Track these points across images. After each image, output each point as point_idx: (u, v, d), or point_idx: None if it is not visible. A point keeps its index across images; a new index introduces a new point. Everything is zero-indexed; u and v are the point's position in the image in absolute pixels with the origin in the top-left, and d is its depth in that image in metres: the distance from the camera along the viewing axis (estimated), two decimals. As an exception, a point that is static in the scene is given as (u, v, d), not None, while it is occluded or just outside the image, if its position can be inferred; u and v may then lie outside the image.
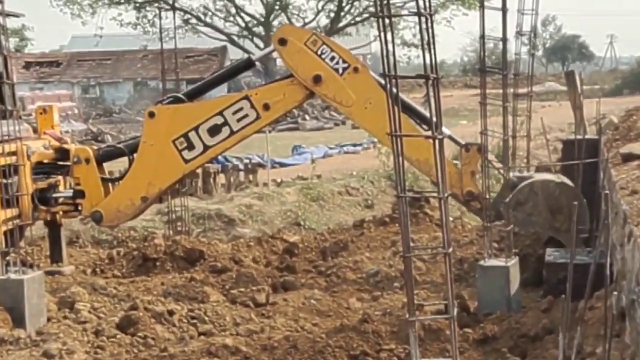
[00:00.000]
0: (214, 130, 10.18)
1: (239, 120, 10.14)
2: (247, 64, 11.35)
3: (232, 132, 10.18)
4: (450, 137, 10.15)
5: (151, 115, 10.41)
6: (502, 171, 10.36)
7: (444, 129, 10.21)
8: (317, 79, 9.94)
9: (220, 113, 10.18)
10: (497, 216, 9.94)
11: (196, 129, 10.19)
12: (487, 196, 9.36)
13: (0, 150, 9.72)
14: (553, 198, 9.55)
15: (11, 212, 10.12)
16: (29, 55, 65.42)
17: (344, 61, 9.98)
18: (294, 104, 10.54)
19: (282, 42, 10.07)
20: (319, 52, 9.96)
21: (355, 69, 9.98)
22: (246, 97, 10.27)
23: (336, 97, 10.06)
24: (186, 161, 10.29)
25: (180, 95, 10.80)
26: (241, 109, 10.14)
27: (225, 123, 10.17)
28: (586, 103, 13.74)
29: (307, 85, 10.05)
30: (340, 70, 9.98)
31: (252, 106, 10.13)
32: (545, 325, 7.71)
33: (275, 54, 11.34)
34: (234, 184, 18.81)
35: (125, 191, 10.53)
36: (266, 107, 10.13)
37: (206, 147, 10.23)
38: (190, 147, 10.23)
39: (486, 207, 9.36)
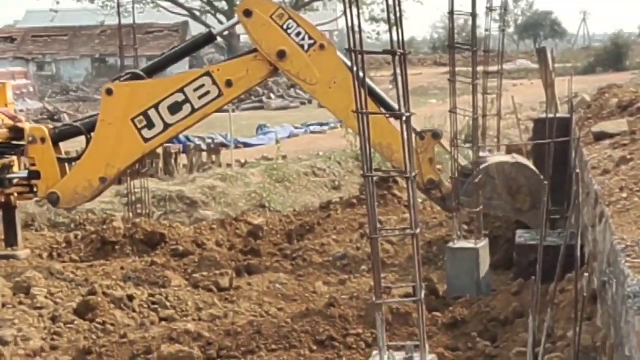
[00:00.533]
0: (174, 108, 10.16)
1: (200, 97, 10.12)
2: (208, 39, 11.31)
3: (193, 110, 10.16)
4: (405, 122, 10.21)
5: (109, 92, 10.36)
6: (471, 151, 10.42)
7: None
8: (281, 55, 9.94)
9: (181, 90, 10.15)
10: (458, 206, 10.09)
11: (156, 106, 10.16)
12: (457, 176, 9.41)
13: (-49, 129, 9.68)
14: (510, 179, 9.68)
15: None
16: (-20, 32, 64.78)
17: (310, 37, 9.98)
18: (257, 80, 10.51)
19: (248, 13, 10.04)
20: (285, 27, 9.95)
21: (322, 47, 9.98)
22: (208, 74, 10.25)
23: (300, 75, 10.06)
24: (146, 140, 10.26)
25: (139, 71, 10.76)
26: (203, 85, 10.13)
27: (187, 100, 10.15)
28: (558, 81, 13.84)
29: (271, 60, 10.04)
30: (306, 47, 9.98)
31: (214, 83, 10.11)
32: (516, 309, 7.77)
33: (239, 28, 11.30)
34: (196, 164, 18.80)
35: (83, 172, 10.48)
36: (229, 83, 10.11)
37: (167, 126, 10.21)
38: (150, 125, 10.19)
39: (455, 187, 9.42)
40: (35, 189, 10.87)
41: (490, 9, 11.58)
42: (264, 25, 10.00)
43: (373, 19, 53.49)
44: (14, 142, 11.14)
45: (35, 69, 58.65)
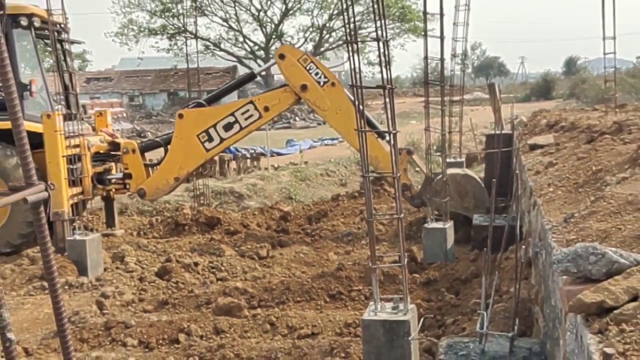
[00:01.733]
0: (227, 127, 10.26)
1: (246, 119, 10.25)
2: (251, 77, 11.45)
3: (241, 128, 10.29)
4: (388, 143, 10.29)
5: (180, 116, 10.46)
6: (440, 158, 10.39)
7: (387, 137, 10.36)
8: (304, 87, 10.04)
9: (232, 114, 10.26)
10: (422, 203, 10.20)
11: (214, 126, 10.26)
12: (431, 174, 9.38)
13: (67, 143, 9.73)
14: (460, 186, 9.78)
15: (76, 189, 10.14)
16: (89, 73, 64.88)
17: (325, 77, 10.08)
18: (287, 106, 10.61)
19: (282, 57, 10.16)
20: (307, 68, 10.05)
21: (333, 84, 10.07)
22: (251, 102, 10.36)
23: (316, 103, 10.14)
24: (207, 150, 10.38)
25: (201, 101, 10.82)
26: (248, 110, 10.25)
27: (236, 121, 10.26)
28: (504, 107, 13.79)
29: (296, 91, 10.15)
30: (322, 83, 10.06)
31: (256, 108, 10.25)
32: (473, 272, 7.76)
33: (273, 69, 11.31)
34: (242, 168, 18.79)
35: (162, 173, 10.56)
36: (266, 109, 10.27)
37: (222, 139, 10.33)
38: (210, 139, 10.30)
39: (429, 184, 9.41)
40: (127, 186, 10.95)
41: (454, 55, 11.55)
42: (293, 66, 10.06)
43: (370, 63, 53.23)
44: (112, 153, 11.23)
45: (127, 100, 58.72)
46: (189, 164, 10.55)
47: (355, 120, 10.51)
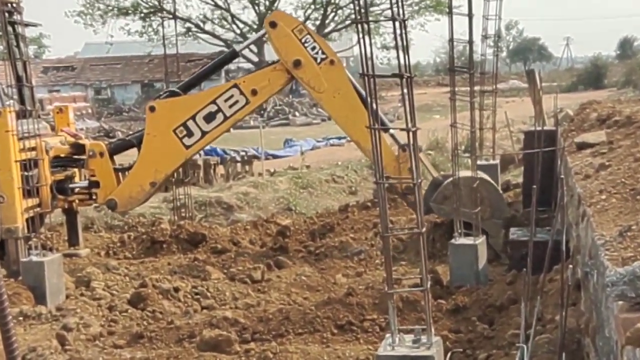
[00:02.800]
0: (209, 117, 10.32)
1: (230, 106, 10.31)
2: (232, 55, 11.55)
3: (225, 118, 10.35)
4: (392, 136, 10.34)
5: (152, 109, 10.51)
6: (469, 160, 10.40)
7: (391, 131, 10.45)
8: (297, 63, 10.14)
9: (214, 102, 10.33)
10: (427, 210, 10.16)
11: (193, 117, 10.32)
12: (458, 182, 9.36)
13: (21, 146, 9.73)
14: (474, 191, 9.75)
15: (32, 201, 10.13)
16: (47, 61, 65.13)
17: (323, 53, 10.17)
18: (278, 87, 10.71)
19: (273, 25, 10.24)
20: (302, 40, 10.12)
21: (332, 62, 10.16)
22: (235, 86, 10.44)
23: (310, 82, 10.23)
24: (187, 147, 10.43)
25: (175, 89, 10.89)
26: (232, 96, 10.32)
27: (219, 110, 10.31)
28: (545, 98, 13.79)
29: (288, 67, 10.26)
30: (319, 60, 10.16)
31: (242, 93, 10.30)
32: (510, 296, 7.74)
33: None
34: (232, 174, 18.81)
35: (135, 179, 10.58)
36: (254, 92, 10.34)
37: (204, 133, 10.38)
38: (190, 134, 10.35)
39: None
40: (94, 197, 10.96)
41: (485, 37, 11.58)
42: (286, 37, 10.14)
43: (384, 47, 53.23)
44: (75, 157, 11.23)
45: (93, 93, 58.88)
46: (167, 165, 10.58)
47: (355, 106, 10.64)
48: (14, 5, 10.59)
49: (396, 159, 10.28)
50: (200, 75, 11.14)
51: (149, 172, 10.51)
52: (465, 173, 9.92)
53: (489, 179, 10.20)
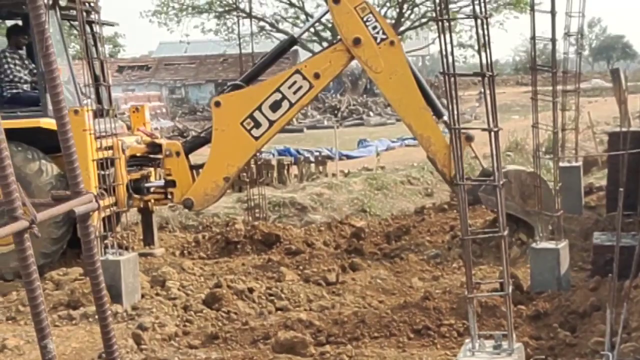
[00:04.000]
0: (275, 106, 10.40)
1: (295, 92, 10.37)
2: (292, 42, 11.60)
3: (291, 105, 10.43)
4: (445, 123, 10.38)
5: (217, 104, 10.63)
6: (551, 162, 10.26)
7: (445, 118, 10.58)
8: (356, 41, 10.16)
9: (278, 90, 10.39)
10: (475, 200, 10.38)
11: (259, 108, 10.40)
12: (539, 184, 9.24)
13: (98, 145, 9.92)
14: (525, 185, 9.71)
15: (109, 200, 10.30)
16: (122, 60, 66.34)
17: (384, 33, 10.22)
18: (339, 68, 10.73)
19: (336, 1, 10.24)
20: (364, 19, 10.17)
21: (392, 43, 10.22)
22: (297, 71, 10.51)
23: (368, 62, 10.29)
24: (256, 138, 10.52)
25: (238, 82, 10.98)
26: (295, 82, 10.39)
27: (284, 97, 10.38)
28: (630, 98, 13.53)
29: (347, 45, 10.31)
30: (378, 40, 10.20)
31: (304, 77, 10.37)
32: (593, 303, 7.60)
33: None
34: (305, 174, 18.88)
35: (209, 175, 10.70)
36: (317, 75, 10.38)
37: (271, 122, 10.46)
38: (257, 125, 10.44)
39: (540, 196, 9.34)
40: (169, 196, 11.10)
41: (567, 34, 11.42)
42: (348, 13, 10.17)
43: (461, 45, 52.87)
44: (151, 156, 11.40)
45: (167, 93, 59.86)
46: (238, 159, 10.68)
47: (411, 89, 10.74)
48: (92, 4, 10.83)
49: (448, 146, 10.32)
50: (261, 65, 11.21)
51: (222, 167, 10.64)
52: (515, 167, 9.86)
53: (541, 175, 10.13)
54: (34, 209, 1.22)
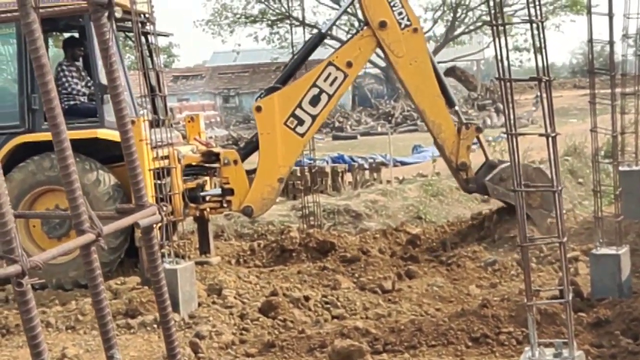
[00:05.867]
0: (314, 101, 10.57)
1: (331, 84, 10.55)
2: (321, 38, 11.78)
3: (330, 97, 10.61)
4: (456, 112, 10.50)
5: (258, 109, 10.84)
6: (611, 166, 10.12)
7: (457, 107, 10.76)
8: (382, 24, 10.37)
9: (314, 84, 10.58)
10: (479, 189, 10.93)
11: (299, 105, 10.58)
12: (599, 189, 9.12)
13: (154, 154, 10.04)
14: (530, 179, 9.77)
15: (165, 209, 10.40)
16: (176, 70, 67.08)
17: (408, 19, 10.44)
18: (369, 53, 10.98)
19: None
20: (391, 4, 10.37)
21: (415, 30, 10.44)
22: (330, 63, 10.71)
23: (391, 46, 10.48)
24: (301, 135, 10.71)
25: (274, 85, 11.08)
26: (329, 74, 10.57)
27: (322, 91, 10.54)
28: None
29: (373, 27, 10.43)
30: (403, 25, 10.41)
31: (338, 68, 10.58)
32: (657, 310, 7.49)
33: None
34: (359, 181, 18.90)
35: (263, 180, 10.82)
36: (349, 64, 10.59)
37: (314, 117, 10.64)
38: (300, 122, 10.61)
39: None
40: (225, 204, 11.19)
41: (625, 36, 11.26)
42: None
43: (517, 49, 52.46)
44: (207, 165, 11.50)
45: (221, 102, 60.32)
46: (288, 158, 10.82)
47: (428, 77, 10.97)
48: (147, 15, 10.98)
49: (457, 134, 10.49)
50: (294, 65, 11.34)
51: (274, 169, 10.77)
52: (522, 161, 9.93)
53: (546, 171, 10.12)
54: (99, 222, 1.25)
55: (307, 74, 11.01)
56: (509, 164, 9.41)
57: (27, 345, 5.76)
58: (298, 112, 10.59)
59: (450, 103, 10.90)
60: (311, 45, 11.59)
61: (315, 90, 10.56)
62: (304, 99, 10.57)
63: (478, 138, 10.89)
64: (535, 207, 9.95)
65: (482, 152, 11.62)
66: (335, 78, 10.54)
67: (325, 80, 10.55)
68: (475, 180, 10.60)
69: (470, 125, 10.58)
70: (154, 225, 1.49)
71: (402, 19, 10.39)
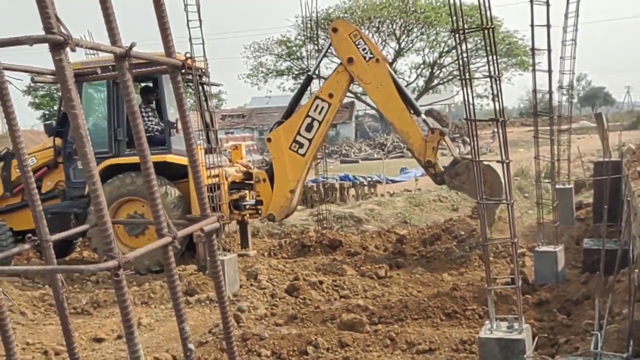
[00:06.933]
0: (309, 128, 10.52)
1: (319, 112, 10.48)
2: (309, 79, 11.48)
3: (320, 123, 10.54)
4: (424, 122, 10.25)
5: (269, 140, 10.89)
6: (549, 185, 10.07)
7: (423, 116, 10.40)
8: (350, 60, 10.16)
9: (307, 115, 10.54)
10: (442, 181, 10.32)
11: (298, 132, 10.51)
12: (540, 202, 9.07)
13: (208, 174, 10.09)
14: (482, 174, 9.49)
15: (223, 219, 10.39)
16: (224, 111, 67.23)
17: (371, 53, 10.18)
18: (345, 84, 10.49)
19: (335, 30, 10.32)
20: (356, 43, 10.21)
21: (377, 60, 10.22)
22: (316, 97, 10.58)
23: (360, 75, 10.27)
24: (303, 155, 10.67)
25: (280, 119, 11.02)
26: (317, 105, 10.50)
27: (313, 119, 10.50)
28: (610, 135, 13.19)
29: (344, 63, 10.20)
30: (367, 58, 10.13)
31: (323, 100, 10.50)
32: (584, 293, 7.43)
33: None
34: (360, 195, 18.85)
35: (279, 192, 10.81)
36: (330, 95, 10.42)
37: (310, 140, 10.59)
38: (301, 145, 10.56)
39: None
40: (259, 212, 11.21)
41: (561, 87, 11.24)
42: (344, 39, 10.21)
43: (479, 96, 52.24)
44: (246, 182, 11.54)
45: (257, 134, 60.40)
46: (295, 174, 10.78)
47: (393, 96, 10.75)
48: (203, 70, 11.05)
49: (423, 138, 10.24)
50: (292, 103, 11.18)
51: (286, 183, 10.75)
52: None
53: (496, 168, 9.82)
54: (175, 228, 1.26)
55: (302, 108, 10.87)
56: (465, 161, 9.37)
57: (113, 316, 5.76)
58: (298, 137, 10.55)
59: (417, 112, 10.41)
60: (303, 86, 11.49)
61: (309, 120, 10.50)
62: (301, 127, 10.51)
63: (444, 140, 10.30)
64: (486, 197, 9.77)
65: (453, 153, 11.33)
66: (322, 108, 10.45)
67: (314, 110, 10.46)
68: (441, 175, 10.28)
69: (435, 130, 10.09)
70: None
71: (366, 53, 10.10)
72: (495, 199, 8.29)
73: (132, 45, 1.27)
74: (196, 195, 1.42)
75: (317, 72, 11.48)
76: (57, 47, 1.07)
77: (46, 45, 1.10)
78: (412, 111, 10.33)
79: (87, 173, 1.13)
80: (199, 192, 1.44)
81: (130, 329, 1.14)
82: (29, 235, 1.52)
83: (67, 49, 1.07)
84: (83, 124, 1.14)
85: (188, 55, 9.47)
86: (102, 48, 1.22)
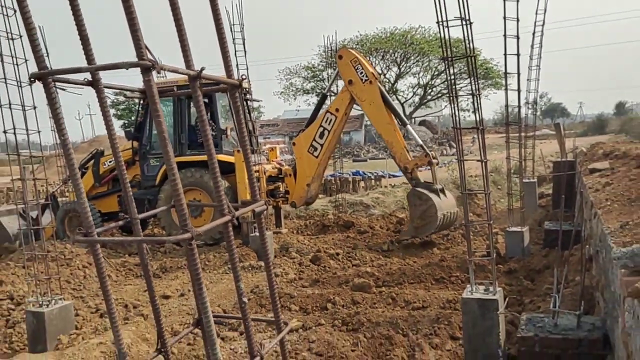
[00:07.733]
0: (321, 135, 10.49)
1: (329, 123, 10.43)
2: (324, 97, 11.19)
3: (329, 132, 10.47)
4: (421, 146, 9.95)
5: (294, 144, 10.87)
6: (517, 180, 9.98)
7: (408, 127, 10.02)
8: (350, 82, 10.03)
9: (320, 125, 10.50)
10: (414, 185, 9.85)
11: (314, 139, 10.48)
12: (510, 192, 8.99)
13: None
14: (418, 197, 9.49)
15: (269, 203, 10.67)
16: (262, 121, 67.36)
17: (366, 75, 9.94)
18: (347, 101, 10.26)
19: (340, 57, 10.17)
20: (355, 67, 10.02)
21: (370, 82, 9.98)
22: (327, 111, 10.46)
23: (357, 94, 10.06)
24: (317, 157, 10.62)
25: (302, 128, 11.00)
26: (327, 118, 10.42)
27: (324, 129, 10.45)
28: (566, 140, 13.05)
29: (345, 84, 10.05)
30: (363, 80, 9.94)
31: (332, 114, 10.38)
32: (545, 264, 7.39)
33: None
34: (368, 186, 18.82)
35: (299, 184, 10.87)
36: (337, 110, 10.33)
37: (322, 145, 10.59)
38: (315, 149, 10.54)
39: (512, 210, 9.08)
40: (288, 199, 11.25)
41: (527, 103, 11.12)
42: (346, 65, 10.08)
43: (462, 109, 51.82)
44: (279, 176, 11.57)
45: (288, 140, 60.39)
46: (311, 171, 10.79)
47: (381, 111, 10.46)
48: (247, 89, 11.10)
49: (405, 147, 9.89)
50: (311, 118, 11.08)
51: (304, 178, 10.79)
52: (436, 199, 9.38)
53: (423, 191, 9.61)
54: (233, 208, 1.29)
55: (317, 120, 10.78)
56: (431, 204, 9.24)
57: (177, 279, 5.78)
58: (314, 143, 10.55)
59: (403, 123, 10.15)
60: (319, 102, 11.38)
61: (321, 129, 10.48)
62: (316, 134, 10.50)
63: (431, 166, 9.86)
64: (419, 227, 9.43)
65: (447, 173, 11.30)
66: (331, 120, 10.40)
67: (325, 121, 10.42)
68: (414, 181, 9.97)
69: (427, 156, 9.75)
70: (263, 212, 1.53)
71: (363, 75, 9.90)
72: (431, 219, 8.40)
73: (202, 69, 1.30)
74: (248, 185, 1.45)
75: (330, 91, 11.37)
76: (147, 70, 1.10)
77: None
78: (399, 122, 10.20)
79: (168, 165, 1.17)
80: (251, 182, 1.47)
81: (200, 286, 1.17)
82: (122, 213, 1.56)
83: (154, 72, 1.10)
84: (165, 129, 1.18)
85: (244, 77, 9.50)
86: (180, 71, 1.25)
